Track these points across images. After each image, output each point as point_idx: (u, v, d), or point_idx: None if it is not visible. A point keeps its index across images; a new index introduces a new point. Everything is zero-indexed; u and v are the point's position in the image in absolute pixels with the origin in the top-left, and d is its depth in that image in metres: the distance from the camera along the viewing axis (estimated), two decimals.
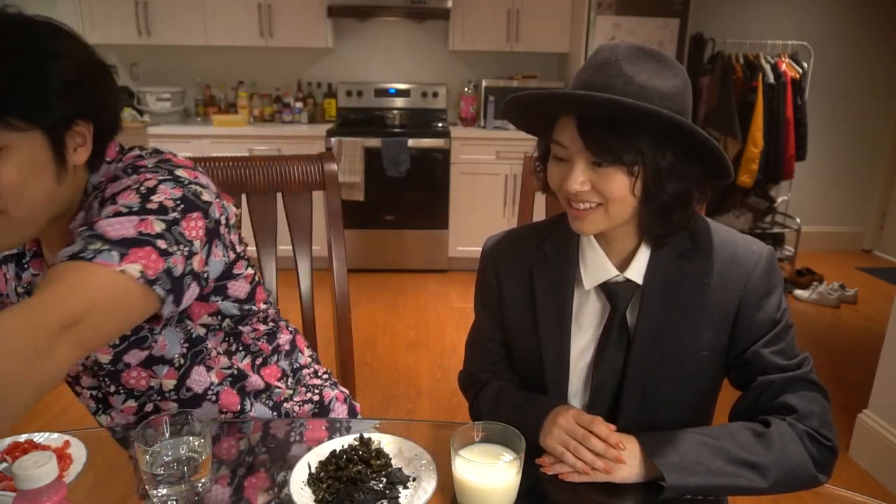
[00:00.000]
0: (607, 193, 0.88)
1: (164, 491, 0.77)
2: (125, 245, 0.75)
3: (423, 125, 4.19)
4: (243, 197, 1.36)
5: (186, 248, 0.81)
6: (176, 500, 0.78)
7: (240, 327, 1.06)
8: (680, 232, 0.95)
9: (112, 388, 0.99)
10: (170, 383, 1.00)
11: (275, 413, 1.13)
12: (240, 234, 1.01)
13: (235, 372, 1.07)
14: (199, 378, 1.02)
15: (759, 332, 0.94)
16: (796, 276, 4.00)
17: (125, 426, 1.04)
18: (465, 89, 4.30)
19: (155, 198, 0.81)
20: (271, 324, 1.12)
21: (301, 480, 0.85)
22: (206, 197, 0.87)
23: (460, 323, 3.42)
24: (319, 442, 0.94)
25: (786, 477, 0.87)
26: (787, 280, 3.93)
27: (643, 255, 0.97)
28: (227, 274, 0.97)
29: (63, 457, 0.89)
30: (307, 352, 1.24)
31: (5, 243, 0.83)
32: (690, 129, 0.84)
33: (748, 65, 4.00)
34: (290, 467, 0.88)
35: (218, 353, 1.04)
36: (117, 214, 0.78)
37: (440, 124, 4.22)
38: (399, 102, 4.38)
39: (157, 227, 0.79)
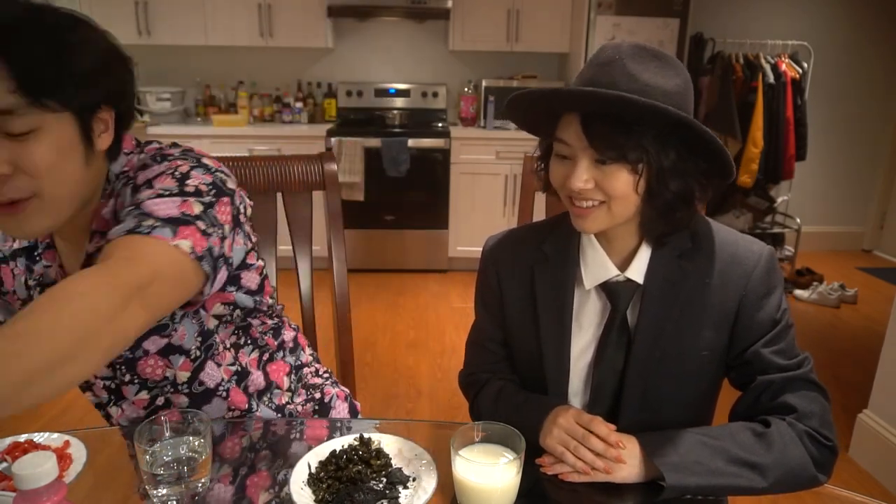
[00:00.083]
0: (611, 191, 0.88)
1: (164, 491, 0.77)
2: (174, 223, 0.78)
3: (423, 125, 4.19)
4: None
5: (220, 231, 0.84)
6: (176, 500, 0.78)
7: (249, 319, 1.06)
8: (681, 231, 0.95)
9: (127, 378, 0.98)
10: (184, 375, 1.00)
11: (279, 415, 1.13)
12: (252, 225, 1.02)
13: (239, 369, 1.07)
14: (212, 373, 1.03)
15: (759, 331, 0.94)
16: (796, 276, 4.00)
17: (133, 420, 1.04)
18: (465, 89, 4.30)
19: (190, 182, 0.84)
20: (276, 319, 1.13)
21: (301, 480, 0.85)
22: (230, 185, 0.90)
23: (460, 323, 3.42)
24: (319, 442, 0.95)
25: (786, 477, 0.87)
26: (787, 280, 3.93)
27: (644, 255, 0.97)
28: (243, 264, 0.98)
29: (63, 457, 0.89)
30: (308, 350, 1.25)
31: (39, 227, 0.82)
32: (696, 126, 0.84)
33: (748, 65, 4.00)
34: (290, 467, 0.88)
35: (225, 348, 1.05)
36: (158, 196, 0.80)
37: (440, 124, 4.22)
38: (399, 102, 4.38)
39: (196, 208, 0.81)
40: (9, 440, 0.93)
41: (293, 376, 1.17)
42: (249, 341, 1.09)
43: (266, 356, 1.12)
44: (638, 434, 0.90)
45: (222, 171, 0.91)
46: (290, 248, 1.40)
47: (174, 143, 0.97)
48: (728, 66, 3.98)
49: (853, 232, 4.88)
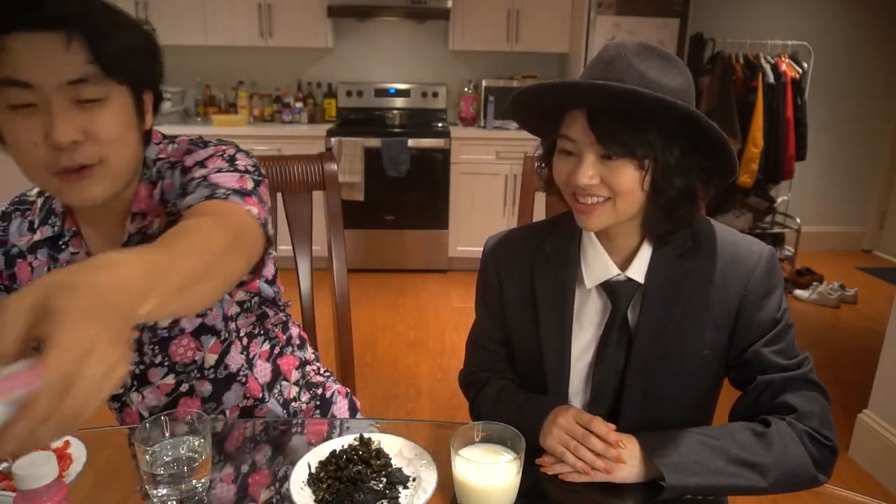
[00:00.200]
0: (616, 187, 0.88)
1: (164, 491, 0.77)
2: (240, 193, 0.85)
3: (423, 125, 4.19)
4: None
5: (266, 208, 0.88)
6: (176, 500, 0.78)
7: (265, 308, 1.09)
8: (683, 230, 0.95)
9: (157, 359, 1.00)
10: (212, 358, 1.03)
11: (285, 411, 1.14)
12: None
13: (251, 356, 1.09)
14: (235, 356, 1.05)
15: (759, 331, 0.94)
16: (796, 276, 4.00)
17: (151, 408, 1.04)
18: (465, 89, 4.30)
19: (238, 163, 0.91)
20: (283, 315, 1.15)
21: (301, 480, 0.85)
22: (262, 170, 0.96)
23: (460, 323, 3.42)
24: (319, 442, 0.95)
25: (786, 477, 0.87)
26: (787, 280, 3.93)
27: (645, 254, 0.97)
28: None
29: (63, 457, 0.89)
30: (310, 349, 1.26)
31: (100, 192, 0.86)
32: (704, 121, 0.84)
33: (748, 65, 4.00)
34: (290, 466, 0.88)
35: (237, 337, 1.06)
36: (218, 172, 0.87)
37: (440, 124, 4.22)
38: (399, 102, 4.38)
39: (249, 184, 0.88)
40: None
41: (300, 371, 1.19)
42: (262, 332, 1.11)
43: (277, 349, 1.14)
44: (638, 434, 0.90)
45: (253, 158, 0.98)
46: (290, 247, 1.40)
47: (200, 137, 1.01)
48: (728, 66, 3.98)
49: (853, 232, 4.88)
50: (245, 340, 1.08)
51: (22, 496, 0.62)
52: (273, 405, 1.12)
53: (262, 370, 1.11)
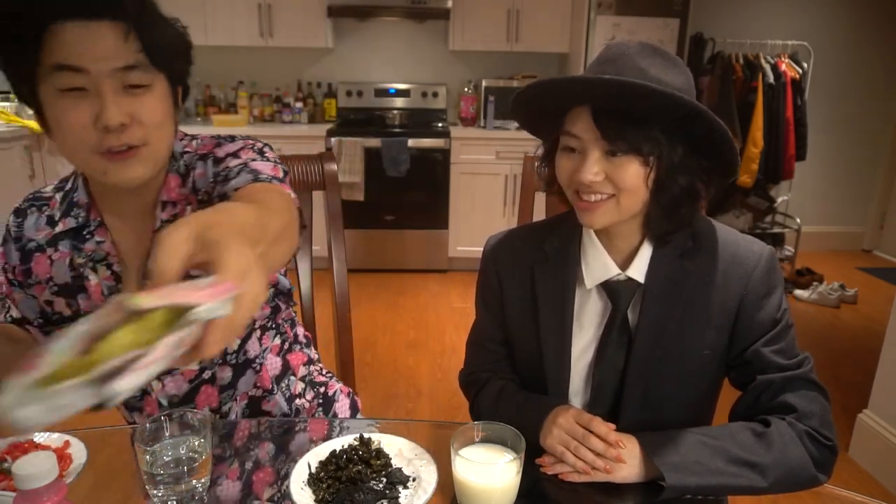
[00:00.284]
0: (621, 183, 0.88)
1: (164, 491, 0.77)
2: (277, 179, 0.90)
3: (423, 125, 4.19)
4: None
5: (293, 197, 0.90)
6: (176, 500, 0.78)
7: (278, 301, 1.11)
8: (684, 229, 0.96)
9: None
10: (236, 342, 1.06)
11: (289, 406, 1.15)
12: None
13: (262, 348, 1.11)
14: (254, 342, 1.09)
15: (759, 331, 0.94)
16: (796, 276, 4.00)
17: (170, 397, 1.06)
18: (465, 89, 4.30)
19: (268, 155, 0.97)
20: (291, 311, 1.17)
21: (301, 480, 0.85)
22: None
23: (460, 323, 3.42)
24: (319, 441, 0.94)
25: (786, 477, 0.87)
26: (787, 280, 3.93)
27: (645, 254, 0.97)
28: None
29: (63, 457, 0.89)
30: (313, 349, 1.28)
31: (142, 173, 0.90)
32: (709, 116, 0.85)
33: (748, 65, 4.00)
34: (292, 464, 0.88)
35: (254, 328, 1.09)
36: (253, 161, 0.92)
37: (440, 124, 4.22)
38: (399, 102, 4.38)
39: (280, 173, 0.93)
40: (9, 440, 0.93)
41: (307, 368, 1.21)
42: (274, 326, 1.13)
43: (286, 345, 1.16)
44: (638, 434, 0.90)
45: None
46: None
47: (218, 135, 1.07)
48: (728, 66, 3.98)
49: (853, 232, 4.88)
50: (259, 333, 1.10)
51: (22, 496, 0.62)
52: (279, 399, 1.13)
53: (273, 364, 1.13)
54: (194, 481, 0.79)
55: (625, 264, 0.98)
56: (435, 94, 4.37)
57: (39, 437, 0.94)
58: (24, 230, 1.02)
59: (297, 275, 1.41)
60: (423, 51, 4.44)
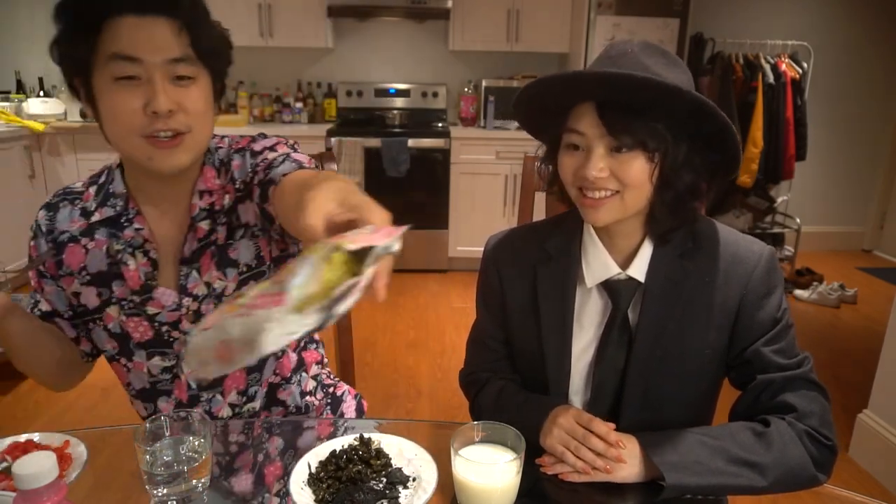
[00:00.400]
0: (626, 179, 0.89)
1: (164, 491, 0.77)
2: (315, 169, 0.95)
3: (423, 125, 4.19)
4: None
5: None
6: (176, 500, 0.78)
7: None
8: (685, 227, 0.96)
9: None
10: None
11: (304, 399, 1.18)
12: None
13: None
14: None
15: (759, 331, 0.94)
16: (796, 276, 4.00)
17: (199, 381, 1.08)
18: (465, 89, 4.30)
19: (300, 150, 1.03)
20: None
21: (301, 480, 0.85)
22: None
23: (460, 323, 3.42)
24: (320, 442, 0.95)
25: (785, 476, 0.87)
26: (787, 280, 3.93)
27: (645, 253, 0.97)
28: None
29: (63, 457, 0.89)
30: (323, 351, 1.29)
31: (185, 160, 0.96)
32: (713, 109, 0.85)
33: (748, 65, 4.00)
34: (291, 466, 0.88)
35: None
36: (290, 153, 0.98)
37: (440, 124, 4.22)
38: (399, 102, 4.38)
39: (314, 166, 0.97)
40: (9, 440, 0.93)
41: (318, 367, 1.23)
42: None
43: (301, 342, 1.18)
44: (638, 433, 0.90)
45: None
46: None
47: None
48: (728, 66, 3.98)
49: (853, 232, 4.88)
50: None
51: (22, 496, 0.62)
52: (294, 389, 1.17)
53: (290, 357, 1.15)
54: (194, 481, 0.79)
55: (625, 263, 0.98)
56: (435, 94, 4.37)
57: (39, 437, 0.94)
58: (56, 223, 1.05)
59: None
60: (423, 51, 4.44)
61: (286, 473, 0.88)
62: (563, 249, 1.03)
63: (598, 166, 0.88)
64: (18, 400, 2.58)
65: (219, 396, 1.10)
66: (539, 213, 1.32)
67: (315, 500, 0.82)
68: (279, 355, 1.13)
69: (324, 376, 1.26)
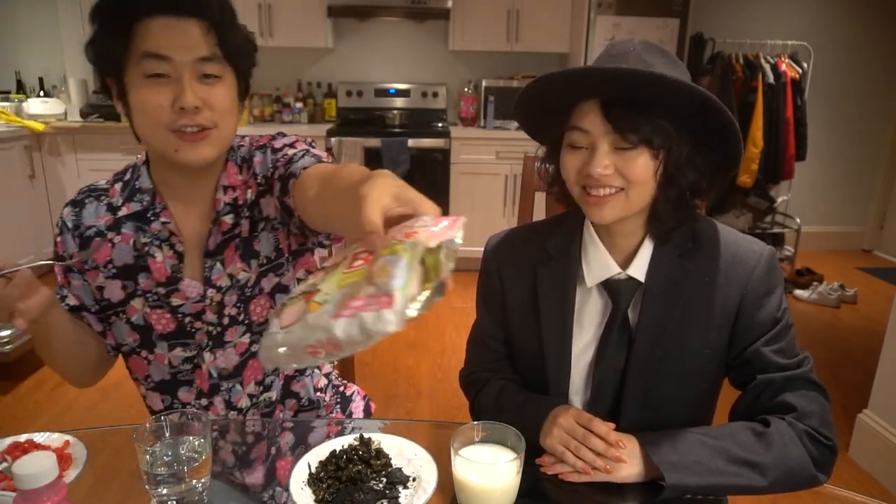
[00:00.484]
0: (631, 176, 0.89)
1: (164, 491, 0.77)
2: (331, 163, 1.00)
3: (423, 125, 4.19)
4: None
5: None
6: (176, 501, 0.78)
7: None
8: (686, 226, 0.96)
9: (240, 317, 1.09)
10: None
11: (318, 393, 1.22)
12: None
13: None
14: None
15: (759, 331, 0.94)
16: (796, 276, 4.00)
17: (220, 370, 1.10)
18: (465, 89, 4.30)
19: (317, 148, 1.08)
20: None
21: (301, 480, 0.85)
22: None
23: (460, 323, 3.42)
24: (320, 442, 0.95)
25: (785, 476, 0.87)
26: (787, 280, 3.93)
27: (646, 253, 0.97)
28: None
29: (63, 457, 0.89)
30: None
31: (209, 154, 1.00)
32: (722, 109, 0.85)
33: (748, 65, 4.00)
34: (291, 466, 0.88)
35: None
36: (309, 149, 1.04)
37: (440, 124, 4.22)
38: (399, 102, 4.38)
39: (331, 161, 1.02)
40: (9, 440, 0.93)
41: (330, 366, 1.26)
42: None
43: None
44: (638, 433, 0.90)
45: None
46: None
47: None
48: (728, 66, 3.98)
49: (853, 232, 4.88)
50: None
51: (22, 496, 0.63)
52: (308, 381, 1.20)
53: None
54: (194, 481, 0.79)
55: (625, 263, 0.98)
56: (435, 94, 4.37)
57: (39, 437, 0.94)
58: (82, 219, 1.08)
59: None
60: (423, 51, 4.44)
61: (283, 479, 0.88)
62: (563, 249, 1.03)
63: (602, 163, 0.88)
64: (18, 400, 2.58)
65: (238, 386, 1.12)
66: (539, 213, 1.32)
67: (315, 500, 0.82)
68: None
69: (333, 377, 1.29)
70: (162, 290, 1.06)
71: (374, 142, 3.86)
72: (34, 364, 2.81)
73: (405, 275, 0.55)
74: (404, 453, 0.91)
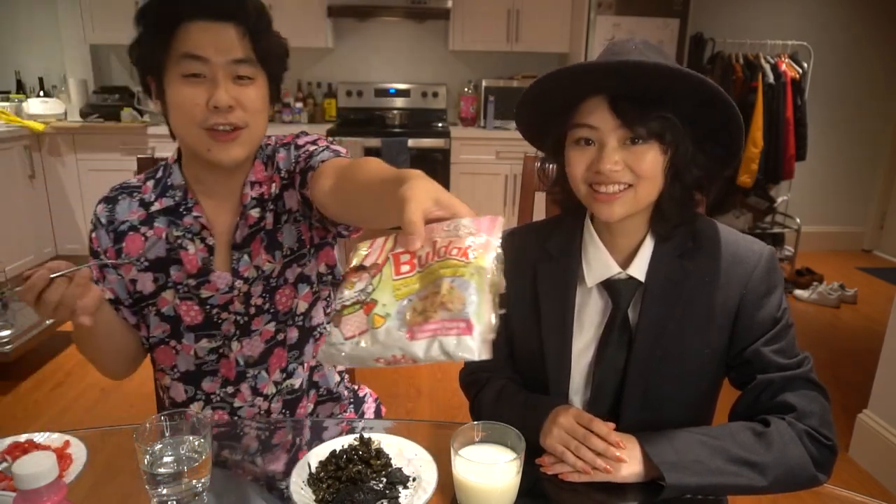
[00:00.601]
0: (640, 171, 0.89)
1: (164, 491, 0.77)
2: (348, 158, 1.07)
3: (423, 125, 4.19)
4: None
5: None
6: (176, 500, 0.78)
7: (328, 290, 1.21)
8: (686, 226, 0.96)
9: (266, 307, 1.13)
10: (303, 305, 1.16)
11: (338, 386, 1.26)
12: None
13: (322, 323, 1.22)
14: (319, 311, 1.19)
15: (759, 330, 0.94)
16: (796, 276, 4.00)
17: (247, 358, 1.14)
18: (465, 89, 4.30)
19: (333, 143, 1.13)
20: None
21: (301, 480, 0.85)
22: None
23: None
24: (320, 441, 0.95)
25: (785, 476, 0.87)
26: (787, 280, 3.93)
27: (646, 252, 0.97)
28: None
29: (63, 457, 0.89)
30: None
31: (240, 153, 1.04)
32: (729, 102, 0.86)
33: (748, 65, 4.00)
34: (291, 466, 0.88)
35: (319, 297, 1.19)
36: (329, 146, 1.09)
37: (440, 124, 4.22)
38: (399, 102, 4.38)
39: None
40: (9, 440, 0.93)
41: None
42: (327, 315, 1.21)
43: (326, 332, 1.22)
44: (638, 433, 0.90)
45: None
46: None
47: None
48: (728, 66, 3.98)
49: (853, 232, 4.88)
50: (324, 303, 1.20)
51: (22, 496, 0.63)
52: (328, 372, 1.24)
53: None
54: (194, 481, 0.79)
55: (626, 263, 0.98)
56: (435, 94, 4.37)
57: (39, 437, 0.94)
58: (115, 214, 1.12)
59: None
60: (423, 51, 4.44)
61: (283, 482, 0.88)
62: (564, 249, 1.03)
63: (612, 159, 0.88)
64: (18, 400, 2.58)
65: (264, 373, 1.15)
66: (539, 213, 1.32)
67: (315, 500, 0.82)
68: (317, 336, 1.20)
69: (346, 380, 1.31)
70: (193, 282, 1.10)
71: (375, 142, 3.86)
72: (34, 364, 2.82)
73: (476, 300, 0.59)
74: (404, 453, 0.91)
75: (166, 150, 1.24)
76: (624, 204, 0.92)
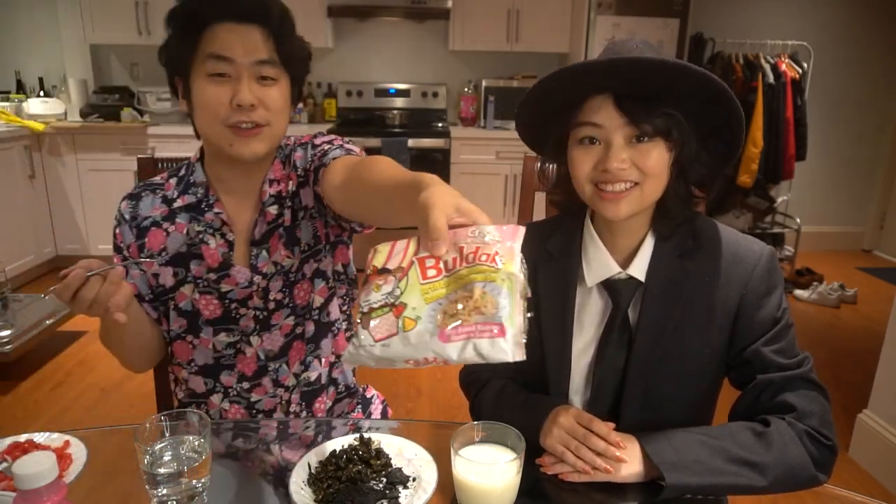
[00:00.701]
0: (647, 168, 0.89)
1: (164, 491, 0.77)
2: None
3: (423, 125, 4.19)
4: None
5: None
6: (176, 500, 0.78)
7: (344, 288, 1.24)
8: (686, 225, 0.97)
9: (286, 301, 1.16)
10: (319, 300, 1.19)
11: (356, 383, 1.29)
12: None
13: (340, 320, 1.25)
14: (336, 306, 1.22)
15: (759, 330, 0.94)
16: (796, 276, 4.00)
17: (267, 352, 1.16)
18: (465, 89, 4.30)
19: (347, 142, 1.18)
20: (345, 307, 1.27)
21: (301, 480, 0.85)
22: None
23: None
24: (320, 441, 0.95)
25: (785, 476, 0.87)
26: (787, 280, 3.93)
27: (646, 252, 0.97)
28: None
29: (63, 457, 0.89)
30: None
31: (261, 149, 1.08)
32: (733, 98, 0.86)
33: (748, 65, 4.00)
34: (291, 467, 0.88)
35: (335, 293, 1.22)
36: (344, 145, 1.15)
37: (440, 124, 4.22)
38: (399, 102, 4.38)
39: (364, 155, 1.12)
40: (9, 440, 0.93)
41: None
42: (342, 312, 1.24)
43: (348, 333, 1.25)
44: (638, 433, 0.90)
45: None
46: None
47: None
48: (728, 66, 3.98)
49: (853, 232, 4.88)
50: (339, 301, 1.23)
51: (22, 496, 0.63)
52: (346, 367, 1.26)
53: (343, 336, 1.25)
54: (194, 481, 0.79)
55: (626, 263, 0.98)
56: (435, 94, 4.37)
57: (39, 437, 0.94)
58: (139, 210, 1.15)
59: None
60: (423, 51, 4.44)
61: (282, 482, 0.88)
62: (564, 249, 1.03)
63: (619, 157, 0.88)
64: (18, 400, 2.58)
65: (284, 366, 1.18)
66: (539, 213, 1.32)
67: (315, 500, 0.82)
68: (335, 332, 1.23)
69: (355, 379, 1.32)
70: (213, 277, 1.13)
71: (375, 142, 3.86)
72: (34, 364, 2.82)
73: (508, 304, 0.61)
74: (404, 453, 0.91)
75: (166, 151, 1.24)
76: (630, 202, 0.92)
